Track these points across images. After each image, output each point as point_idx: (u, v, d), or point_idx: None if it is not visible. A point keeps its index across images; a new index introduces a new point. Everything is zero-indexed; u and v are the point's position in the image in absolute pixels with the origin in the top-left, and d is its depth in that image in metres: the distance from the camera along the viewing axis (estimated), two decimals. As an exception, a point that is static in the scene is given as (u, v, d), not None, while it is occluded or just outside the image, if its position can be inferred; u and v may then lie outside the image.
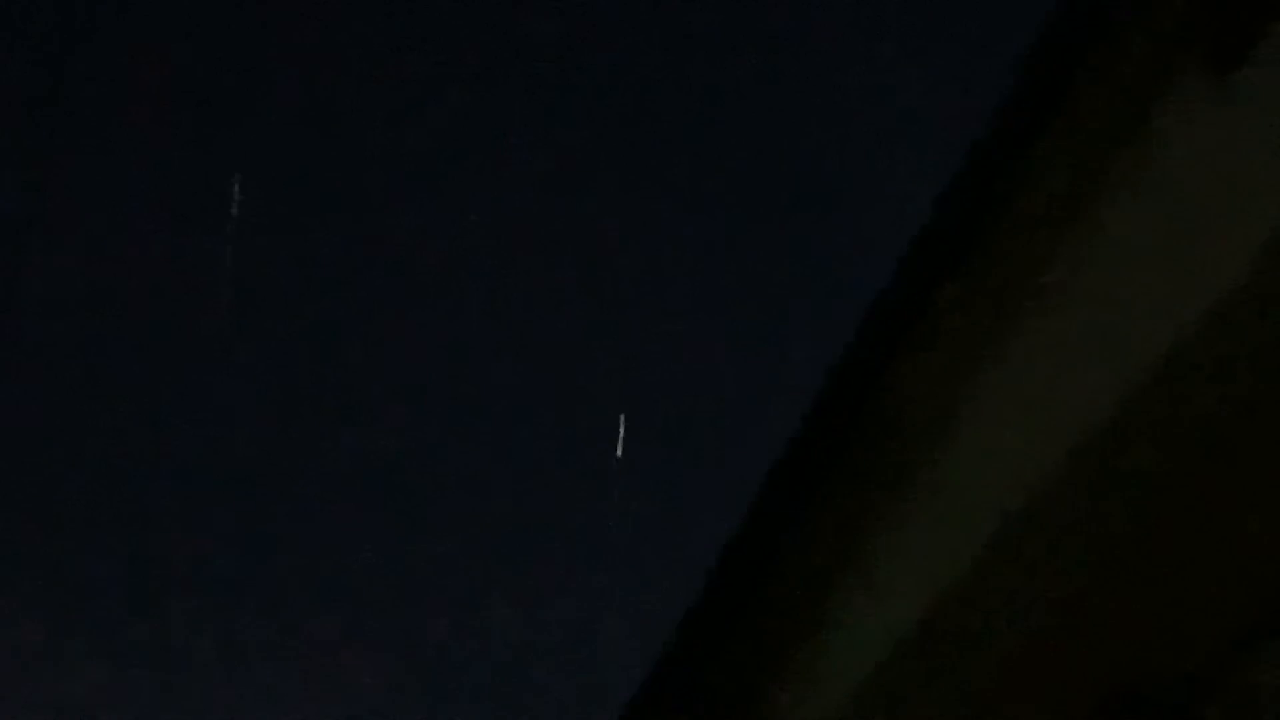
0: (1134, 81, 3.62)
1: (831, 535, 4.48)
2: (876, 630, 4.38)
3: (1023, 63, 3.69)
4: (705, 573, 4.63)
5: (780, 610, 4.63)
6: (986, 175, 3.82)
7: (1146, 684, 3.73)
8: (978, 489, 4.19)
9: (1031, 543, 3.93)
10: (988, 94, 3.87)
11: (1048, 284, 3.96)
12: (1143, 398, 3.68)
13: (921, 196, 4.07)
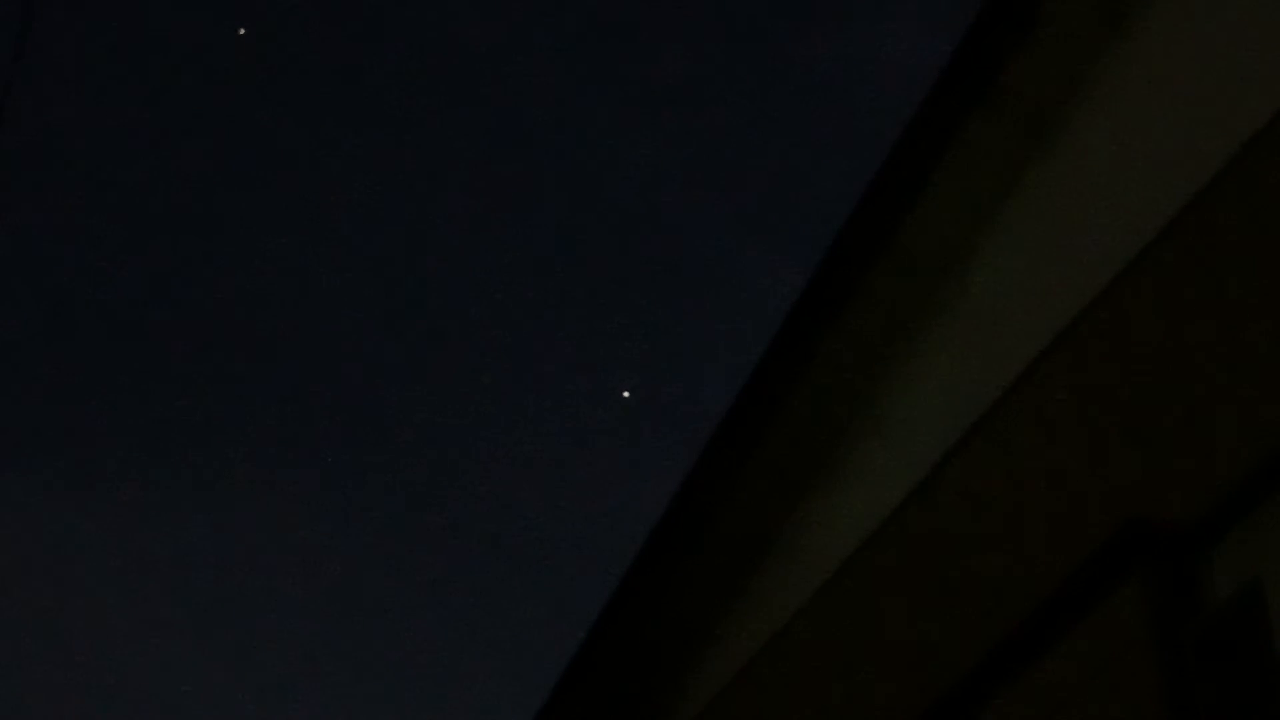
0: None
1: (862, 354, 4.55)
2: (917, 435, 4.44)
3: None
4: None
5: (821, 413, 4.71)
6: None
7: (1158, 520, 3.71)
8: (1004, 318, 4.20)
9: (1059, 371, 3.95)
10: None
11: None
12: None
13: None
